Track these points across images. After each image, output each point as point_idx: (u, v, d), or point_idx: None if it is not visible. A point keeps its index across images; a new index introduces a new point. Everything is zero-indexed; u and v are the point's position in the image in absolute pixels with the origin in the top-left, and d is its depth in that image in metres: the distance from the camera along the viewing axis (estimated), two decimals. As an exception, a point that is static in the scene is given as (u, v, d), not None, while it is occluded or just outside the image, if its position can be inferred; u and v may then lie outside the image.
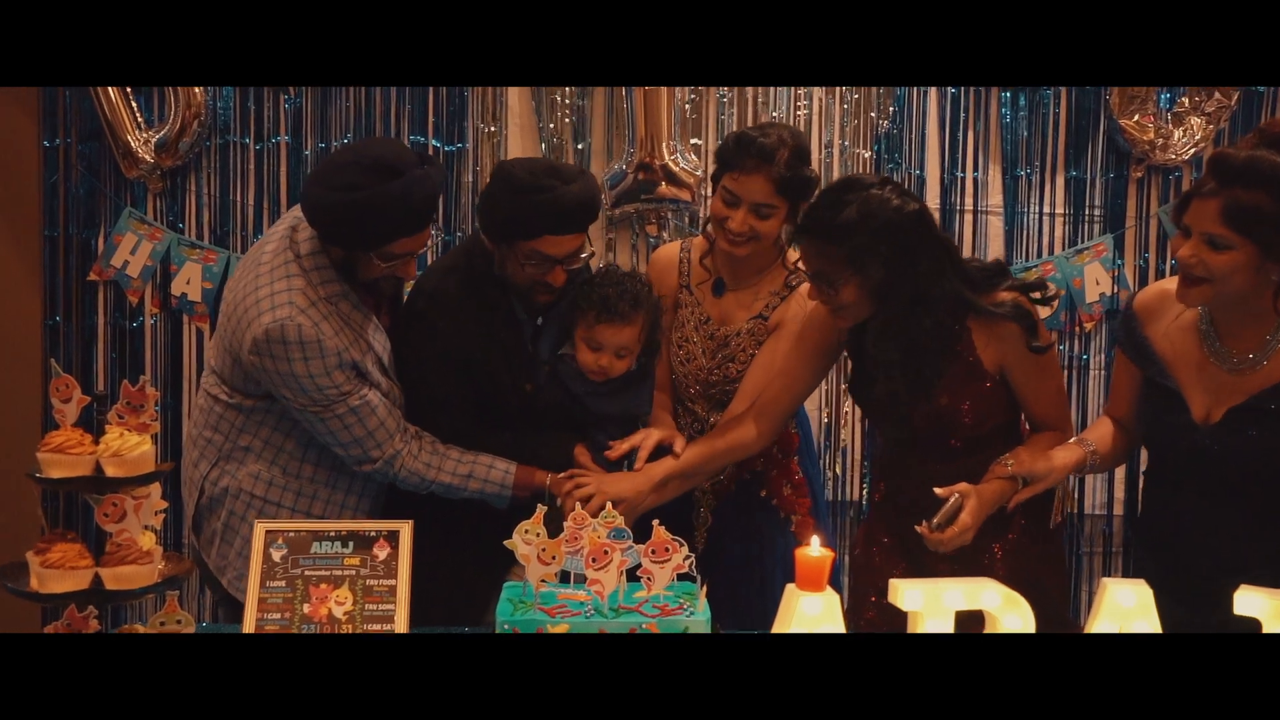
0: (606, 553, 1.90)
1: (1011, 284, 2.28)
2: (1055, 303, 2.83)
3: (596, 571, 1.90)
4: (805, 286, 2.56)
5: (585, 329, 2.47)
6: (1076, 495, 3.48)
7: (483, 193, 2.45)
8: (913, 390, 2.25)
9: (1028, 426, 2.44)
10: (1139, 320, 2.24)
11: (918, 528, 2.15)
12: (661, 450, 2.48)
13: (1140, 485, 2.36)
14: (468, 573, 2.41)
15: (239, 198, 3.42)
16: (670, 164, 3.33)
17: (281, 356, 2.27)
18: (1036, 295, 2.28)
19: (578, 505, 1.99)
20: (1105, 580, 1.81)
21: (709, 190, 3.38)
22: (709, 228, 2.60)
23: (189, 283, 3.39)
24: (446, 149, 3.40)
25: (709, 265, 2.63)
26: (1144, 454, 2.33)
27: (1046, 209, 3.45)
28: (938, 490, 2.17)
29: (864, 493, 3.46)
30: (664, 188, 3.33)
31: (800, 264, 2.29)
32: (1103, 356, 3.48)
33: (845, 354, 2.51)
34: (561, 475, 2.43)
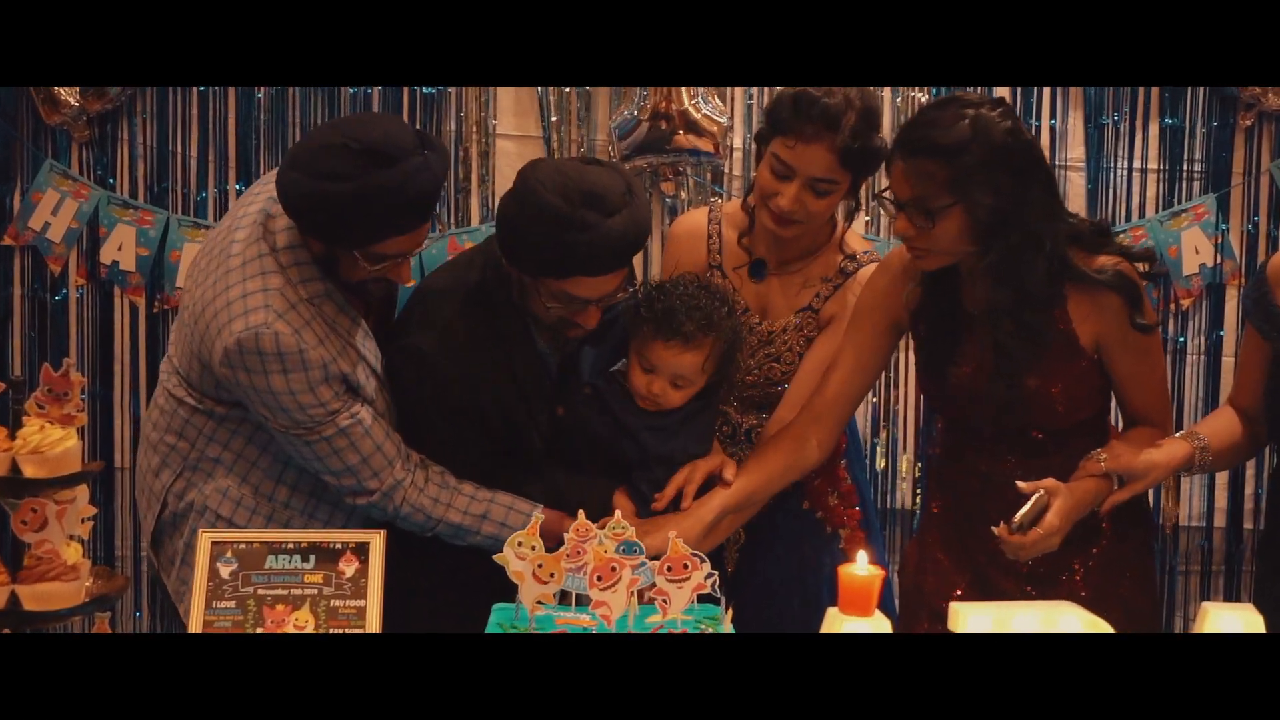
0: (614, 569, 1.89)
1: (1116, 248, 2.26)
2: (1183, 284, 2.82)
3: (602, 592, 1.89)
4: (864, 272, 2.52)
5: (639, 343, 2.39)
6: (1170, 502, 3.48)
7: (501, 208, 2.33)
8: (1023, 346, 2.22)
9: (1117, 426, 2.43)
10: (1270, 286, 2.23)
11: (995, 529, 2.14)
12: (710, 481, 2.43)
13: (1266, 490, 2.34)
14: (476, 601, 2.37)
15: (180, 149, 3.41)
16: (690, 110, 3.31)
17: (257, 370, 2.25)
18: (1142, 267, 2.26)
19: (581, 515, 1.97)
20: (1206, 605, 1.80)
21: (735, 141, 3.39)
22: (749, 199, 2.54)
23: (121, 249, 3.39)
24: (425, 91, 3.39)
25: (748, 245, 2.58)
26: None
27: (1137, 164, 3.42)
28: (1021, 485, 2.16)
29: (917, 500, 3.45)
30: (681, 137, 3.32)
31: (889, 192, 2.23)
32: (1203, 339, 3.46)
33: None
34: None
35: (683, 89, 3.29)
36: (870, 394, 3.40)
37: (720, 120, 3.34)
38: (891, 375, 3.44)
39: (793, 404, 2.50)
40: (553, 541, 2.25)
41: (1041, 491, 2.15)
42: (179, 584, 2.48)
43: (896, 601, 2.67)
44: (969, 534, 2.37)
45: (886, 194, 2.24)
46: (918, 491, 3.46)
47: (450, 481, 2.41)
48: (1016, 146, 2.16)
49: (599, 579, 1.89)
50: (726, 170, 3.39)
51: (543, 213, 2.22)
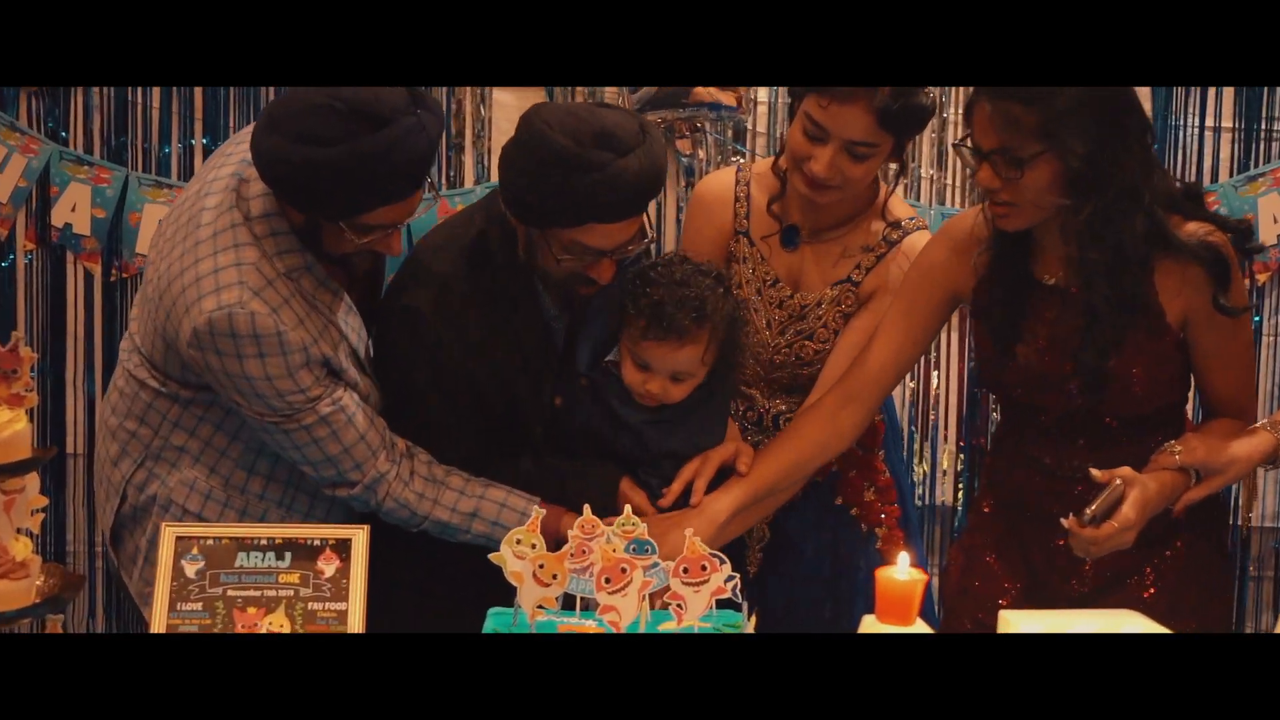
0: (624, 571, 1.88)
1: (1208, 215, 2.25)
2: (1260, 257, 2.78)
3: (611, 596, 1.88)
4: (910, 240, 2.51)
5: (630, 340, 2.41)
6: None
7: (504, 154, 2.33)
8: (1118, 313, 2.20)
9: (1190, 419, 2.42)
10: None
11: (1065, 522, 2.12)
12: (724, 472, 2.42)
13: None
14: (466, 596, 2.37)
15: (140, 99, 3.40)
16: (709, 58, 3.30)
17: (230, 353, 2.25)
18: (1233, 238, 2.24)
19: (587, 510, 1.97)
20: (1286, 614, 1.80)
21: (760, 94, 3.36)
22: (780, 160, 2.53)
23: (74, 210, 3.38)
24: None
25: (779, 212, 2.57)
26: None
27: (1209, 122, 3.41)
28: (1095, 473, 2.14)
29: (959, 495, 3.44)
30: (700, 89, 3.30)
31: (970, 141, 2.20)
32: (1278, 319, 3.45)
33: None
34: None
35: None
36: (908, 377, 3.40)
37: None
38: (932, 357, 3.43)
39: (826, 388, 2.49)
40: (552, 540, 2.24)
41: (1117, 481, 2.13)
42: (142, 584, 2.48)
43: (938, 609, 2.67)
44: (1025, 533, 2.37)
45: (966, 143, 2.23)
46: (960, 486, 3.45)
47: (438, 474, 2.41)
48: (1116, 89, 2.14)
49: (607, 581, 1.88)
50: (750, 126, 3.38)
51: (551, 154, 2.22)
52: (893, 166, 2.60)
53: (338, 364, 2.33)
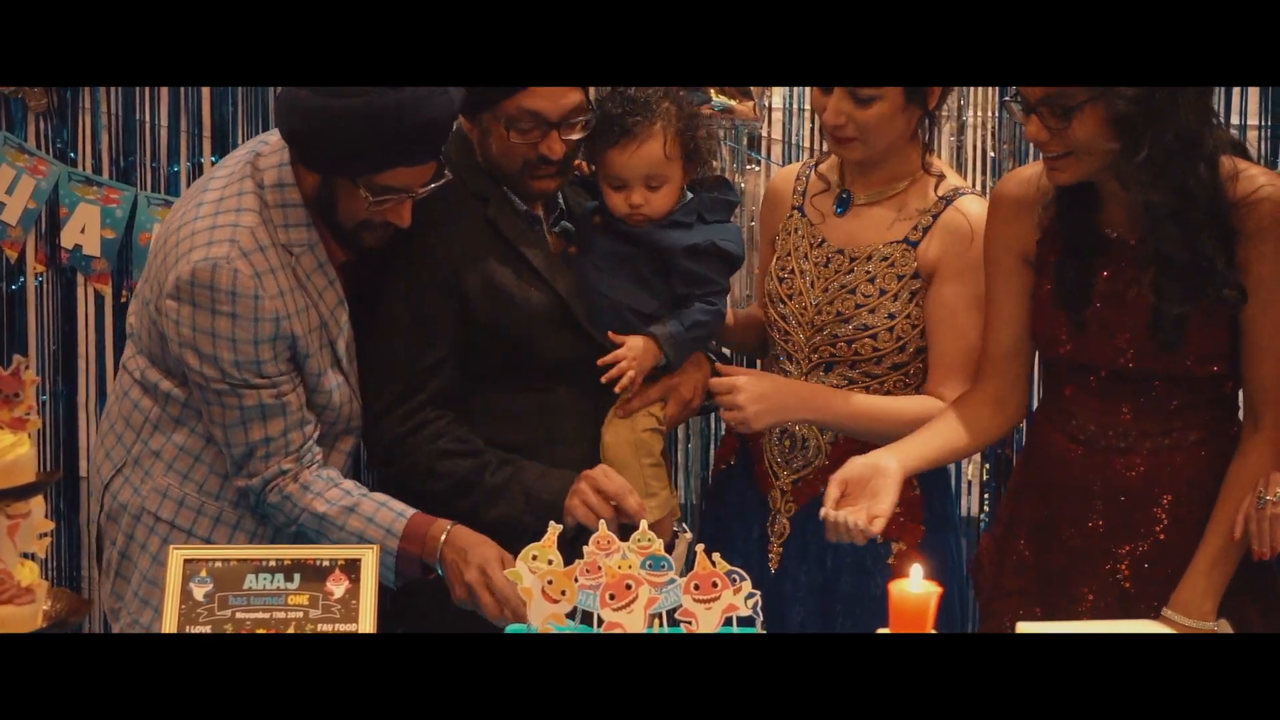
0: (629, 587, 1.89)
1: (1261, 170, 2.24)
2: None
3: (615, 612, 1.89)
4: (965, 201, 2.51)
5: (602, 169, 2.58)
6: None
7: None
8: (1188, 251, 2.18)
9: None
10: None
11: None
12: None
13: None
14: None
15: (149, 117, 3.42)
16: (722, 65, 3.30)
17: (205, 305, 2.31)
18: None
19: (602, 526, 1.97)
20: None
21: (775, 101, 3.36)
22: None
23: (84, 231, 3.40)
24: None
25: (826, 173, 2.64)
26: None
27: (1235, 119, 3.38)
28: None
29: (984, 507, 3.42)
30: (714, 95, 3.30)
31: (1018, 94, 2.22)
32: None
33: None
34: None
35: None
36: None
37: (757, 77, 3.32)
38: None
39: (945, 368, 2.51)
40: (416, 550, 2.32)
41: None
42: (113, 599, 2.51)
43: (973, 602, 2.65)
44: (1059, 511, 2.37)
45: (1015, 98, 2.24)
46: (985, 498, 3.43)
47: (333, 475, 2.44)
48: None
49: (611, 597, 1.89)
50: (765, 133, 3.37)
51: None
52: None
53: (304, 348, 2.38)
